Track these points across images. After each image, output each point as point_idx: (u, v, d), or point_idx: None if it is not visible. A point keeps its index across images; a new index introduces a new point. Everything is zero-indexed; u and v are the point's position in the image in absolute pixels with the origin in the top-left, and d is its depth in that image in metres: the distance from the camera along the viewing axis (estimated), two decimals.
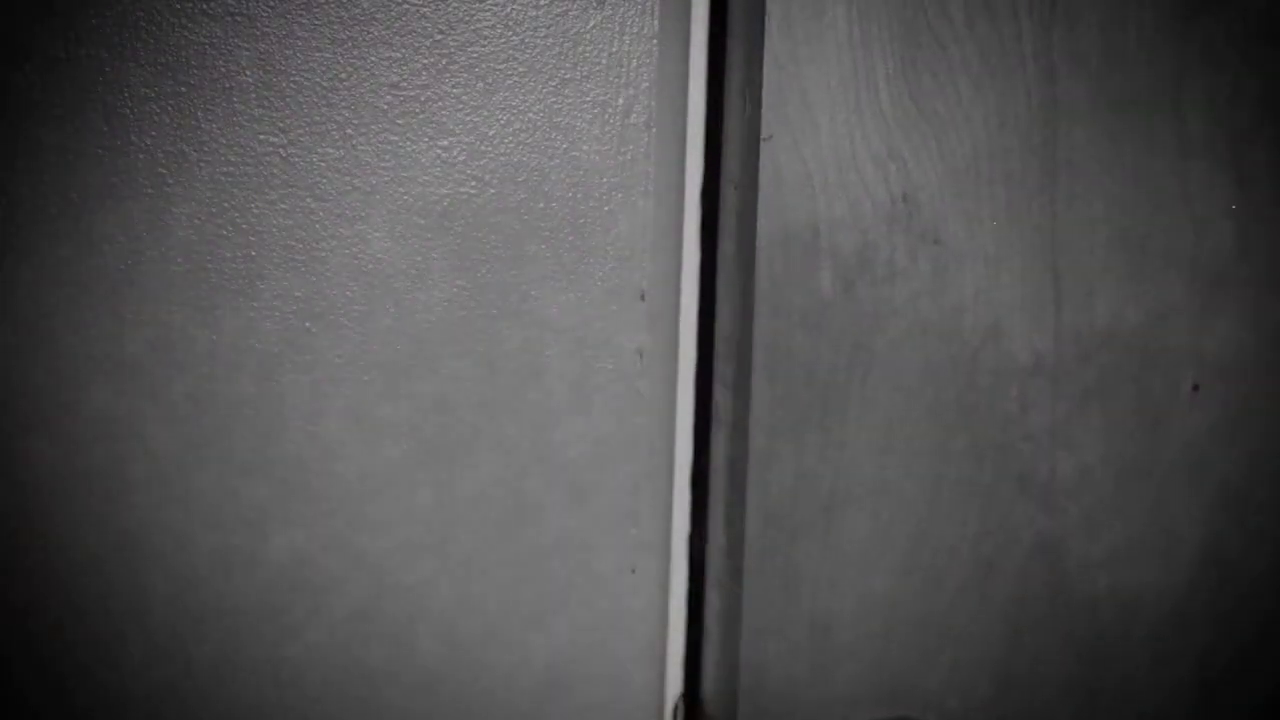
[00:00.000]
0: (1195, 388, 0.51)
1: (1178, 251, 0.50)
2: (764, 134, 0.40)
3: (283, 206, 0.43)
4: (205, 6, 0.42)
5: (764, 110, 0.40)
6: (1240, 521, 0.52)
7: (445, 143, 0.44)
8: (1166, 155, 0.49)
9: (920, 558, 0.46)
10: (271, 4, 0.42)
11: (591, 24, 0.44)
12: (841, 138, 0.41)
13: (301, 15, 0.42)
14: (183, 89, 0.42)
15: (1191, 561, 0.52)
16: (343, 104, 0.43)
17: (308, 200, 0.43)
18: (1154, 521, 0.51)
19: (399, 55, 0.43)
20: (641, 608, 0.48)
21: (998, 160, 0.45)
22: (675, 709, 0.50)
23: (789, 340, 0.42)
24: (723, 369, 0.44)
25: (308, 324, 0.44)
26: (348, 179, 0.44)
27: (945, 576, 0.47)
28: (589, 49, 0.44)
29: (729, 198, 0.43)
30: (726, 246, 0.43)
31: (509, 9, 0.44)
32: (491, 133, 0.44)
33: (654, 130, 0.45)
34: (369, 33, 0.43)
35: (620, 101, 0.45)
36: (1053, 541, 0.49)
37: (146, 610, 0.45)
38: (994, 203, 0.45)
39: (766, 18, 0.40)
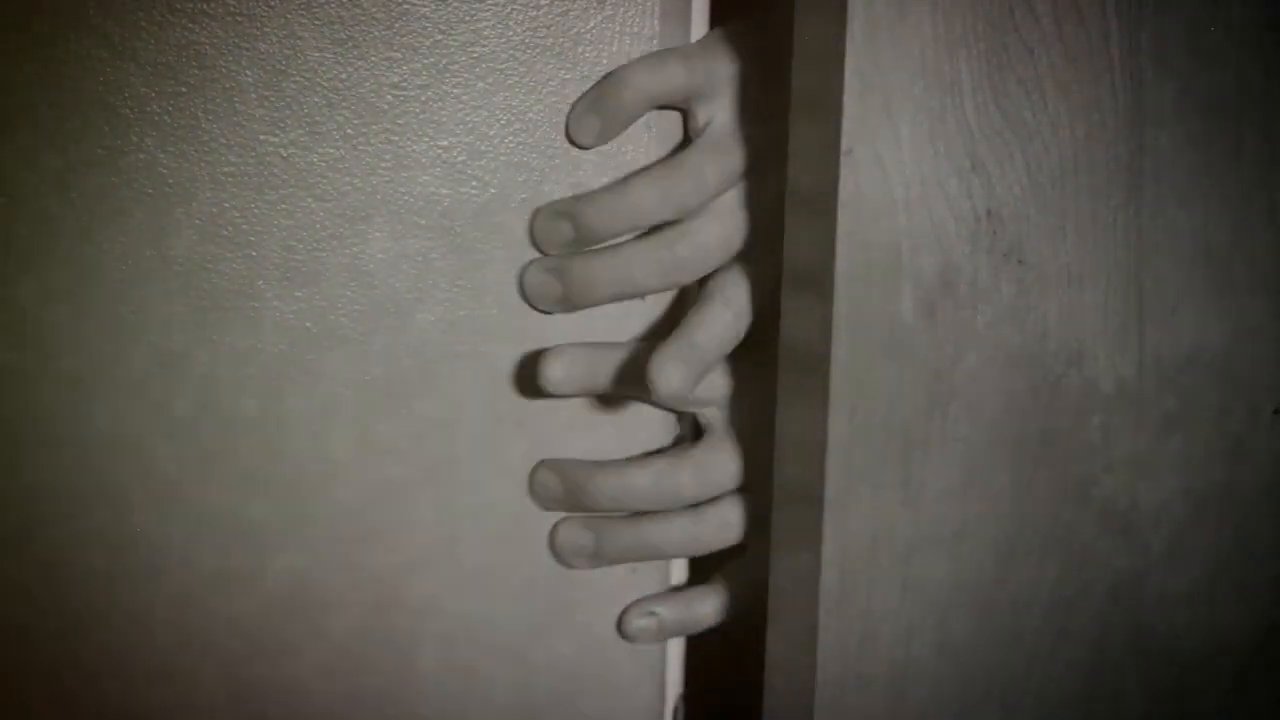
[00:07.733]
0: (1276, 412, 0.48)
1: (1262, 269, 0.47)
2: (844, 148, 0.38)
3: (283, 207, 0.43)
4: (205, 6, 0.42)
5: (844, 122, 0.38)
6: None
7: (445, 142, 0.44)
8: (1254, 165, 0.46)
9: (1000, 603, 0.44)
10: (272, 4, 0.42)
11: (592, 24, 0.44)
12: (924, 150, 0.39)
13: (302, 15, 0.42)
14: (183, 89, 0.42)
15: (1273, 594, 0.50)
16: (343, 104, 0.43)
17: (308, 200, 0.43)
18: (1234, 553, 0.49)
19: (399, 55, 0.43)
20: None
21: (1083, 172, 0.42)
22: (675, 709, 0.50)
23: (869, 370, 0.40)
24: (787, 398, 0.42)
25: (308, 324, 0.44)
26: (348, 179, 0.43)
27: (1025, 621, 0.45)
28: (589, 49, 0.44)
29: (798, 214, 0.40)
30: (796, 265, 0.40)
31: (509, 9, 0.43)
32: (492, 132, 0.44)
33: (653, 130, 0.45)
34: (370, 33, 0.43)
35: None
36: (1133, 578, 0.47)
37: (149, 629, 0.45)
38: (1079, 217, 0.43)
39: (849, 19, 0.37)
